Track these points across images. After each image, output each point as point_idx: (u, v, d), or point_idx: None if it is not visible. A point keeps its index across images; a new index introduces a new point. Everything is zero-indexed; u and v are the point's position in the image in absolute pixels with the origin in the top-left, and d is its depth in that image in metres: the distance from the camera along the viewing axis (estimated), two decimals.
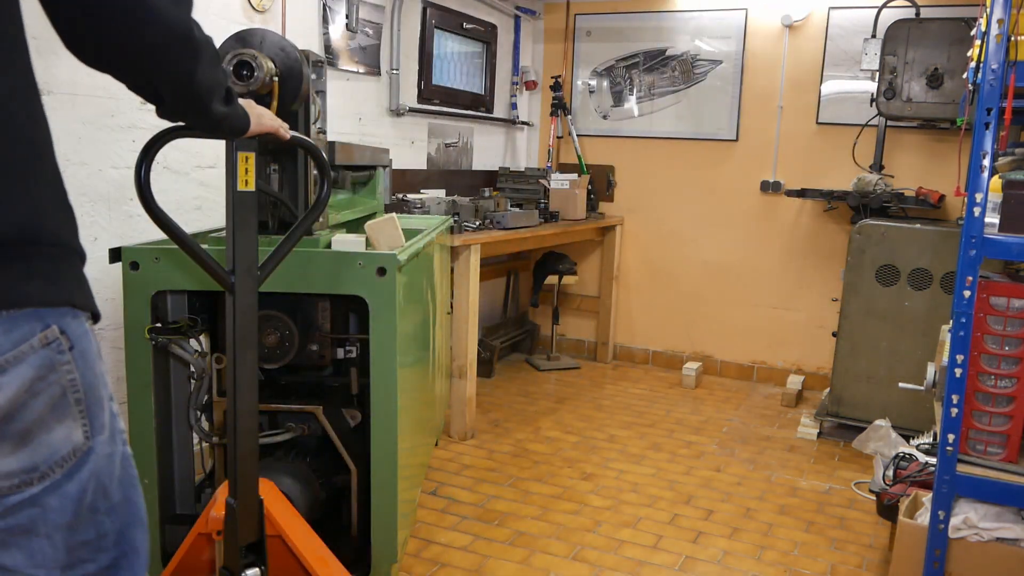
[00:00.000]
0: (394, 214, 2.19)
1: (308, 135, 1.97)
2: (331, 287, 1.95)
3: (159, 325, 2.03)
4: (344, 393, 2.12)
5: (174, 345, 2.05)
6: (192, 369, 2.11)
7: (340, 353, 2.14)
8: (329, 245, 2.03)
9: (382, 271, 1.91)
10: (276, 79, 1.84)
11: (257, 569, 1.55)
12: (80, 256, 0.90)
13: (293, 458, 2.16)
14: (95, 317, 0.91)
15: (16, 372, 0.77)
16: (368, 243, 2.10)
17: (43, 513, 0.84)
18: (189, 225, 2.37)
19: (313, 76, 2.02)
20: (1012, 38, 1.97)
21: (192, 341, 2.12)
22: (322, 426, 2.11)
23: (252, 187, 1.49)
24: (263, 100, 1.83)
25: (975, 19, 2.59)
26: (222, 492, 1.71)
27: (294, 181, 2.03)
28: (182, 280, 1.98)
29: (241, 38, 1.89)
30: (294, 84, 1.88)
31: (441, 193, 4.07)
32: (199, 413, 2.15)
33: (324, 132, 2.12)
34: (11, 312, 0.77)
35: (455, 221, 3.48)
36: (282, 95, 1.86)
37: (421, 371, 2.50)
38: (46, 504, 0.84)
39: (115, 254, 1.99)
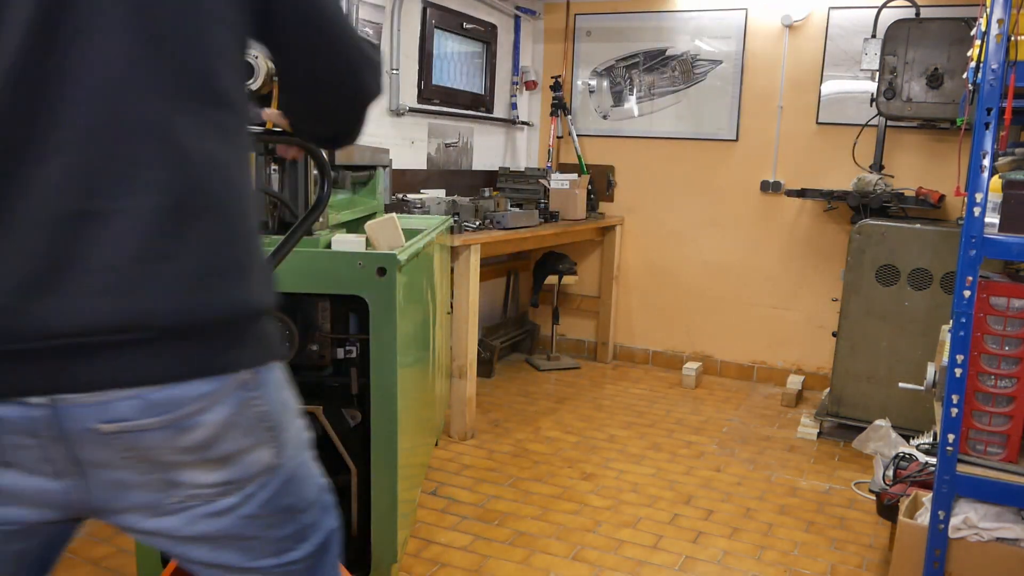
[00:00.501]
0: (394, 214, 2.19)
1: None
2: (331, 287, 1.96)
3: None
4: (344, 393, 2.13)
5: None
6: None
7: (340, 353, 2.14)
8: (329, 245, 2.03)
9: (382, 271, 1.91)
10: (275, 79, 1.85)
11: None
12: (272, 308, 1.04)
13: None
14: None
15: (216, 411, 0.93)
16: (368, 243, 2.10)
17: (244, 518, 0.99)
18: None
19: None
20: (1012, 38, 1.97)
21: None
22: (322, 426, 2.11)
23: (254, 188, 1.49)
24: (264, 100, 1.83)
25: (975, 19, 2.59)
26: None
27: (294, 181, 2.03)
28: None
29: None
30: None
31: (441, 193, 4.07)
32: None
33: None
34: (221, 375, 0.93)
35: (455, 221, 3.48)
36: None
37: (421, 371, 2.50)
38: (246, 511, 0.99)
39: None
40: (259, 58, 1.79)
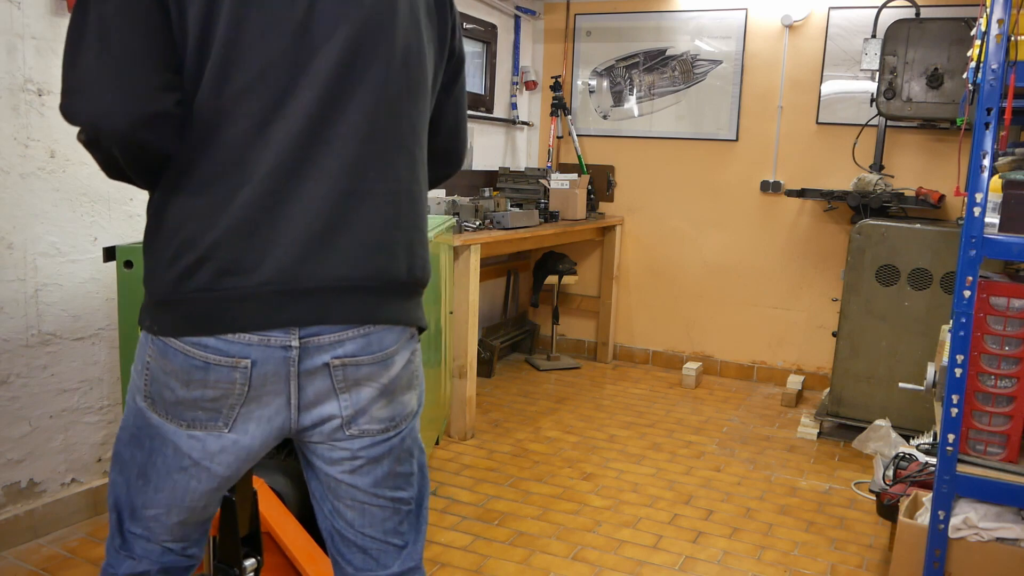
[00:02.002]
0: None
1: None
2: None
3: None
4: None
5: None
6: None
7: None
8: None
9: None
10: None
11: (254, 559, 1.56)
12: None
13: (285, 456, 2.18)
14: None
15: (401, 355, 1.26)
16: None
17: (388, 449, 1.28)
18: None
19: None
20: (1012, 38, 1.97)
21: None
22: None
23: None
24: None
25: (975, 19, 2.59)
26: None
27: None
28: None
29: None
30: None
31: (441, 193, 4.07)
32: None
33: None
34: (404, 327, 1.27)
35: (455, 221, 3.48)
36: None
37: (432, 370, 2.51)
38: (392, 444, 1.28)
39: (109, 253, 2.02)
40: None
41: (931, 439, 2.71)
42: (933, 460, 2.39)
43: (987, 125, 1.95)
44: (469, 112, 4.71)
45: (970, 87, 2.33)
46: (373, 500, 1.29)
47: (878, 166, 4.13)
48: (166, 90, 1.10)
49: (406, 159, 1.25)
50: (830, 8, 4.30)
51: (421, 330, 1.34)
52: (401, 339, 1.25)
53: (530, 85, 5.10)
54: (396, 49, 1.21)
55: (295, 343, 1.16)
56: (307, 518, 2.07)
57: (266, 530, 1.84)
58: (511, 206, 4.23)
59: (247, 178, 1.12)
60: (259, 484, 1.89)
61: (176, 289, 1.13)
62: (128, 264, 1.99)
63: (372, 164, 1.19)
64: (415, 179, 1.28)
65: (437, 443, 3.26)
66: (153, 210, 1.19)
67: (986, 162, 1.95)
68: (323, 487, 1.29)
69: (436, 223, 2.98)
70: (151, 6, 1.07)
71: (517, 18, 4.98)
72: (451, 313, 3.31)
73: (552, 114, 5.00)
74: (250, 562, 1.57)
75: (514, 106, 5.09)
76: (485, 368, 4.46)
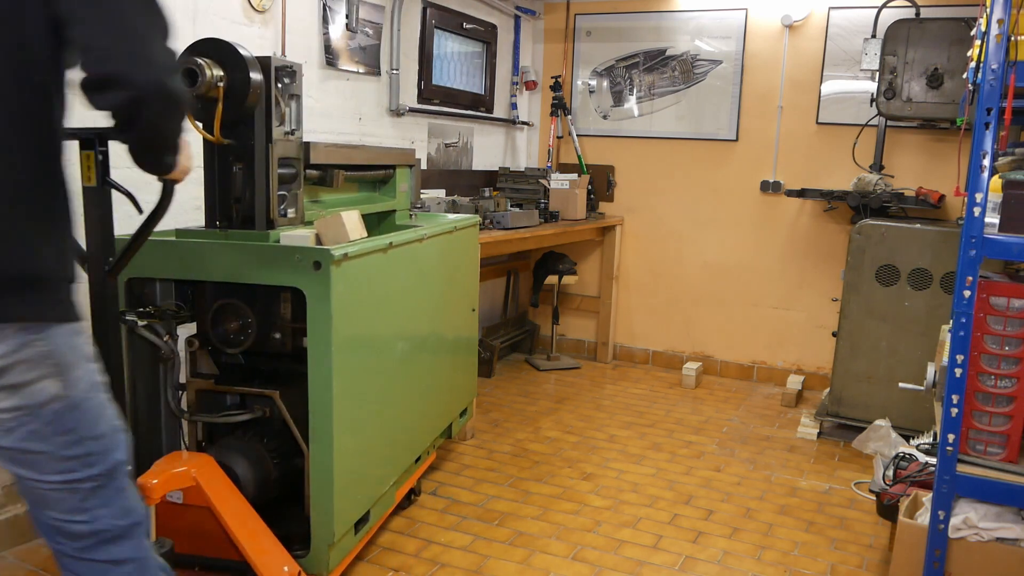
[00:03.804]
0: (344, 211, 2.22)
1: (270, 138, 2.11)
2: (273, 279, 2.08)
3: (127, 310, 2.16)
4: (303, 379, 2.17)
5: (141, 328, 2.14)
6: (163, 352, 2.20)
7: (304, 342, 2.19)
8: (279, 239, 2.13)
9: (317, 265, 2.01)
10: (221, 85, 2.01)
11: None
12: (66, 280, 1.31)
13: (250, 438, 2.26)
14: (73, 319, 1.32)
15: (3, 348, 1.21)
16: (319, 238, 2.17)
17: (36, 438, 1.27)
18: (192, 223, 2.43)
19: (286, 81, 2.16)
20: (1012, 38, 1.97)
21: (179, 326, 2.27)
22: (279, 409, 2.21)
23: (94, 183, 1.70)
24: (210, 104, 2.02)
25: (975, 19, 2.59)
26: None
27: (256, 178, 2.13)
28: (154, 269, 2.16)
29: (196, 47, 2.05)
30: (240, 90, 2.03)
31: (441, 193, 4.07)
32: (179, 392, 2.30)
33: (292, 134, 2.22)
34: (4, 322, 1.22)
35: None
36: (228, 99, 2.03)
37: (397, 366, 2.53)
38: (38, 431, 1.27)
39: None
40: (204, 67, 1.97)
41: (931, 439, 2.71)
42: (933, 460, 2.39)
43: (987, 125, 1.94)
44: (469, 112, 4.75)
45: (970, 87, 2.33)
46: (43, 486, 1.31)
47: (878, 166, 4.13)
48: None
49: None
50: (830, 8, 4.30)
51: (64, 320, 1.30)
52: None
53: (530, 85, 5.09)
54: None
55: None
56: (266, 499, 2.22)
57: (207, 504, 1.97)
58: (511, 206, 4.23)
59: None
60: (207, 460, 2.06)
61: None
62: None
63: None
64: None
65: (450, 436, 3.24)
66: None
67: (986, 162, 1.95)
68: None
69: (459, 221, 3.06)
70: None
71: (517, 18, 4.98)
72: (473, 311, 3.32)
73: (552, 114, 5.00)
74: None
75: (514, 106, 5.09)
76: (485, 368, 4.46)
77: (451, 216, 3.28)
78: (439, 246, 2.84)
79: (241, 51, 2.03)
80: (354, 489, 2.27)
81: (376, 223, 2.90)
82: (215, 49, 2.02)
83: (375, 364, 2.37)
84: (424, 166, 4.28)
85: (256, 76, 2.04)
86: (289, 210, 2.24)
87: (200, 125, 2.08)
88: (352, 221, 2.22)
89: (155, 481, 1.88)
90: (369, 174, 2.82)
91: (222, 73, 2.00)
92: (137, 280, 2.20)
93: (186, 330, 2.32)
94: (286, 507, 2.30)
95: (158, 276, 2.20)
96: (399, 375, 2.57)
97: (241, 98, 2.03)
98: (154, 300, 2.27)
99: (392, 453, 2.56)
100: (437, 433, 2.98)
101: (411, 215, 3.10)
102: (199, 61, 1.97)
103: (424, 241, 2.66)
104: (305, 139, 2.30)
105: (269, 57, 2.10)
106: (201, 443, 2.39)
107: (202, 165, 2.15)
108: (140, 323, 2.12)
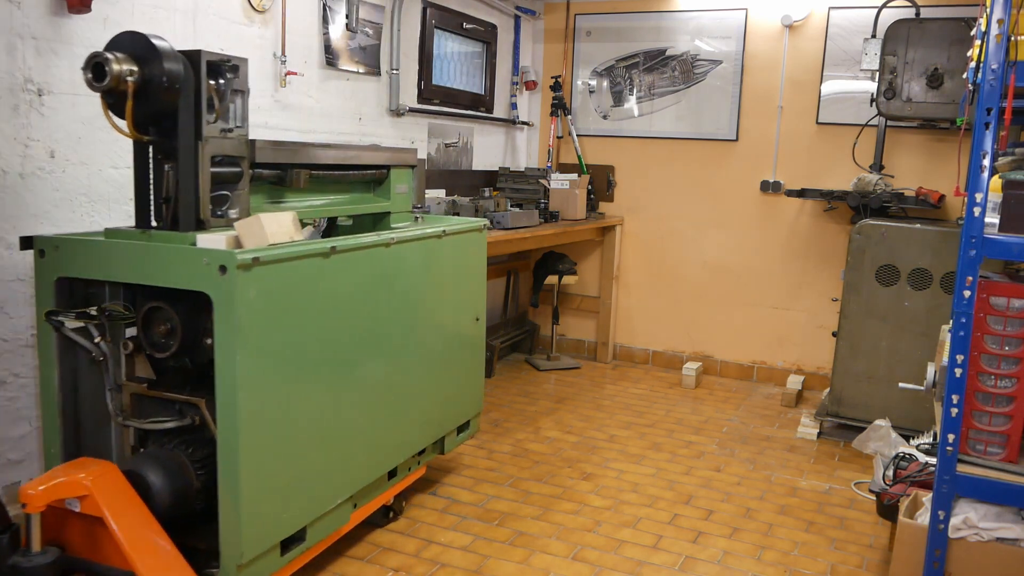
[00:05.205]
0: (262, 214, 2.10)
1: (199, 135, 2.03)
2: (181, 282, 2.00)
3: (58, 310, 2.12)
4: None
5: (69, 330, 2.10)
6: (93, 353, 2.16)
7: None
8: (195, 242, 2.06)
9: (223, 269, 1.94)
10: (131, 79, 1.93)
11: None
12: None
13: (175, 447, 2.16)
14: None
15: None
16: (238, 241, 2.08)
17: None
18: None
19: (228, 76, 2.08)
20: (1012, 38, 1.97)
21: (113, 329, 2.21)
22: (204, 417, 2.13)
23: None
24: (119, 98, 1.94)
25: (975, 19, 2.59)
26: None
27: (181, 177, 2.07)
28: (80, 268, 2.09)
29: (115, 41, 1.97)
30: (156, 84, 1.96)
31: (441, 193, 4.07)
32: (116, 395, 2.22)
33: (231, 131, 2.13)
34: None
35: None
36: (143, 94, 1.95)
37: (347, 377, 2.41)
38: None
39: (26, 242, 2.10)
40: (111, 61, 1.90)
41: (931, 439, 2.71)
42: (933, 460, 2.39)
43: (987, 125, 1.94)
44: (469, 112, 4.75)
45: (970, 87, 2.33)
46: None
47: (878, 166, 4.13)
48: None
49: None
50: (830, 8, 4.30)
51: None
52: None
53: (530, 85, 5.10)
54: None
55: None
56: (179, 511, 2.11)
57: (99, 515, 1.89)
58: (511, 206, 4.23)
59: None
60: (110, 469, 1.97)
61: None
62: (41, 253, 2.08)
63: None
64: None
65: (443, 452, 3.16)
66: None
67: (986, 162, 1.95)
68: None
69: (458, 224, 2.97)
70: None
71: (517, 18, 4.98)
72: (477, 320, 3.26)
73: (552, 114, 5.00)
74: None
75: (514, 106, 5.10)
76: (485, 368, 4.45)
77: (455, 219, 3.15)
78: (419, 252, 2.70)
79: (158, 44, 1.95)
80: (277, 505, 2.14)
81: (371, 225, 2.79)
82: (131, 43, 1.95)
83: (311, 375, 2.24)
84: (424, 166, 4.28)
85: (174, 68, 1.95)
86: (231, 211, 2.15)
87: (117, 120, 2.00)
88: (277, 223, 2.11)
89: (40, 488, 1.82)
90: (354, 174, 2.69)
91: (134, 67, 1.93)
92: (79, 281, 2.13)
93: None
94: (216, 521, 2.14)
95: (83, 276, 2.12)
96: (354, 388, 2.43)
97: (157, 93, 1.95)
98: (102, 301, 2.20)
99: (342, 469, 2.41)
100: (416, 449, 2.80)
101: (416, 217, 2.99)
102: (107, 55, 1.90)
103: (391, 246, 2.52)
104: (304, 139, 2.23)
105: (199, 51, 2.02)
106: (136, 448, 2.29)
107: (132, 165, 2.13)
108: (68, 324, 2.07)
